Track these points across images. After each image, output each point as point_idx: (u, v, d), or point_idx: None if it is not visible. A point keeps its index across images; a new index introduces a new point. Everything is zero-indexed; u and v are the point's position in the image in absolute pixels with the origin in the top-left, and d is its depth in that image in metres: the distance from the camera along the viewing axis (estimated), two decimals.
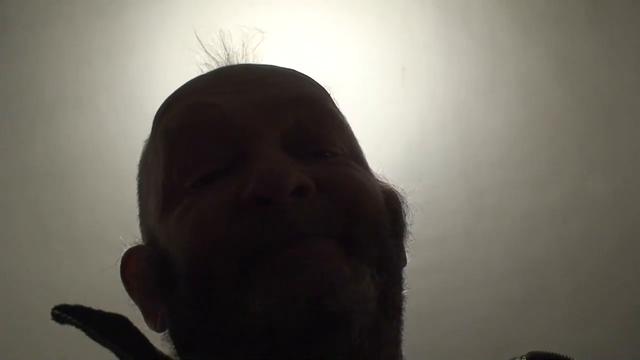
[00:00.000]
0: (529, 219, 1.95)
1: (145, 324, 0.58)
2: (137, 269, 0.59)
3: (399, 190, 0.59)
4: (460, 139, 1.85)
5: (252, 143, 0.51)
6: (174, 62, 1.67)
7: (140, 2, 1.65)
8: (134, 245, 0.61)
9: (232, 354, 0.48)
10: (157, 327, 0.57)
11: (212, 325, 0.48)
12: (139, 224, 0.61)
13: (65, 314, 0.49)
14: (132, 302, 0.60)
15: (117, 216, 1.78)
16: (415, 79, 1.76)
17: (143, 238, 0.60)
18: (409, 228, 0.58)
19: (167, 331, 0.55)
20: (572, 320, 2.06)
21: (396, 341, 0.54)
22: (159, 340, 0.55)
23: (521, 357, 0.56)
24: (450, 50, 1.75)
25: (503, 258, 1.99)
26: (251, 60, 0.63)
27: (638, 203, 1.94)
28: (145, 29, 1.68)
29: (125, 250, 0.61)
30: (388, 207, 0.55)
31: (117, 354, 0.49)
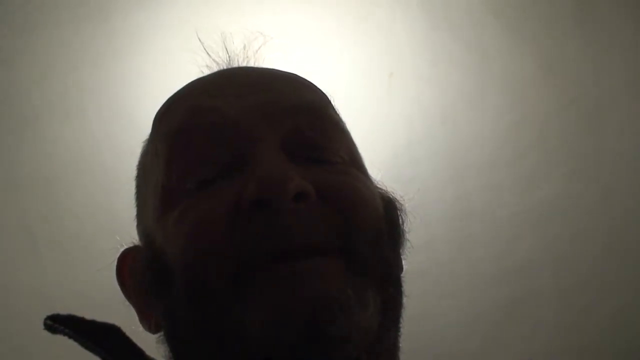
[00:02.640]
0: (516, 222, 1.96)
1: (140, 325, 0.58)
2: (133, 269, 0.59)
3: (397, 197, 0.59)
4: (448, 143, 1.85)
5: (252, 146, 0.51)
6: (161, 68, 1.67)
7: (126, 8, 1.65)
8: (131, 245, 0.61)
9: None
10: (152, 328, 0.57)
11: (208, 332, 0.48)
12: (135, 224, 0.61)
13: (57, 323, 0.49)
14: (127, 303, 0.59)
15: (104, 223, 1.78)
16: (402, 84, 1.77)
17: (140, 239, 0.59)
18: (406, 235, 0.58)
19: (162, 333, 0.55)
20: (560, 323, 2.07)
21: (394, 349, 0.54)
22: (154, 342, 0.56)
23: None
24: (436, 55, 1.75)
25: (490, 261, 2.00)
26: (251, 63, 0.62)
27: (624, 205, 1.95)
28: (132, 35, 1.68)
29: (121, 250, 0.61)
30: (387, 215, 0.54)
31: None
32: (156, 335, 0.56)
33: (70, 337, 0.48)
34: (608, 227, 1.97)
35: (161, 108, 0.60)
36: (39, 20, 1.66)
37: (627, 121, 1.85)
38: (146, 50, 1.69)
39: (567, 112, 1.84)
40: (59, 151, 1.78)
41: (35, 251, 1.86)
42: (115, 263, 0.61)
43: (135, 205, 0.62)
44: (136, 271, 0.57)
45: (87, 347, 0.48)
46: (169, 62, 1.65)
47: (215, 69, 0.62)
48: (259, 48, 0.63)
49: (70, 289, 1.82)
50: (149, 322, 0.57)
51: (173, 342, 0.53)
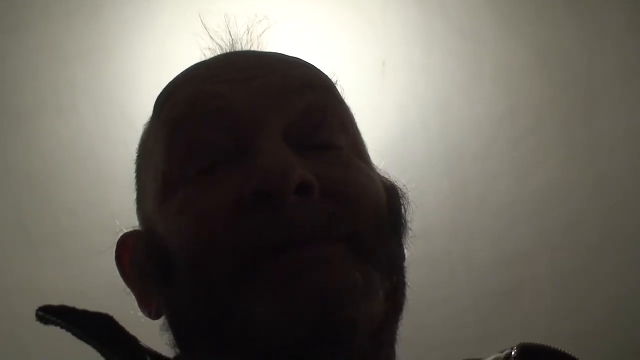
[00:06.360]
0: (513, 210, 1.96)
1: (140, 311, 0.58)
2: (133, 255, 0.59)
3: (400, 185, 0.59)
4: (443, 132, 1.85)
5: (256, 134, 0.50)
6: (153, 63, 1.66)
7: (117, 3, 1.64)
8: (131, 230, 0.60)
9: (231, 354, 0.47)
10: (152, 315, 0.57)
11: (211, 324, 0.48)
12: (135, 209, 0.60)
13: (50, 315, 0.49)
14: (121, 299, 0.59)
15: (99, 218, 1.77)
16: (396, 73, 1.76)
17: (140, 224, 0.59)
18: (409, 224, 0.57)
19: (165, 321, 0.55)
20: (556, 311, 2.08)
21: (394, 340, 0.54)
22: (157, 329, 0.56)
23: (512, 349, 0.56)
24: (430, 43, 1.75)
25: (487, 250, 2.00)
26: (250, 47, 0.62)
27: (620, 192, 1.95)
28: (124, 29, 1.67)
29: (120, 235, 0.61)
30: (390, 205, 0.54)
31: (102, 354, 0.48)
32: (159, 324, 0.56)
33: (62, 327, 0.48)
34: (604, 213, 1.98)
35: (163, 92, 0.59)
36: (30, 16, 1.65)
37: (621, 107, 1.85)
38: (138, 44, 1.68)
39: (561, 99, 1.84)
40: (52, 147, 1.77)
41: (30, 247, 1.85)
42: (113, 252, 0.61)
43: (135, 189, 0.61)
44: (137, 258, 0.57)
45: (79, 337, 0.48)
46: (161, 55, 1.65)
47: (214, 53, 0.61)
48: (263, 32, 0.63)
49: (65, 284, 1.82)
50: (150, 309, 0.57)
51: (177, 331, 0.53)
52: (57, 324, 0.48)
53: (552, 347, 0.55)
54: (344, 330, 0.45)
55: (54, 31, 1.66)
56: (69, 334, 0.49)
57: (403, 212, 0.57)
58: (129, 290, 0.60)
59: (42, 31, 1.66)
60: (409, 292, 0.56)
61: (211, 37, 0.62)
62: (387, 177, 0.59)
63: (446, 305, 2.04)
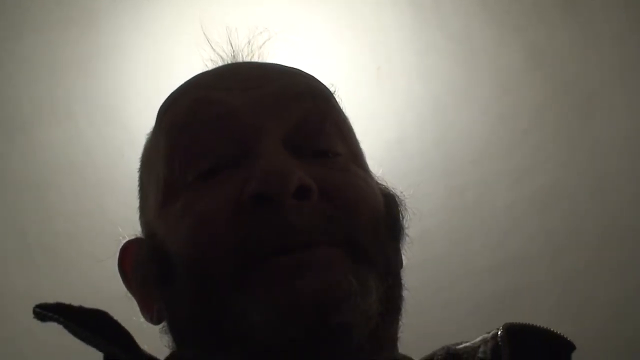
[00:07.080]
0: (510, 213, 1.96)
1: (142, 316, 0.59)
2: (134, 261, 0.59)
3: (398, 193, 0.60)
4: (439, 136, 1.85)
5: (255, 140, 0.51)
6: (150, 71, 1.66)
7: (113, 11, 1.64)
8: (133, 237, 0.61)
9: (231, 353, 0.48)
10: (154, 320, 0.57)
11: (210, 326, 0.49)
12: (138, 216, 0.62)
13: (47, 311, 0.49)
14: (118, 306, 0.59)
15: (96, 225, 1.77)
16: (391, 78, 1.76)
17: (142, 231, 0.60)
18: (406, 231, 0.59)
19: (164, 325, 0.56)
20: (557, 313, 2.07)
21: (394, 341, 0.56)
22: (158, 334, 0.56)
23: (498, 329, 0.56)
24: (424, 47, 1.75)
25: (486, 253, 2.00)
26: (249, 58, 0.63)
27: (618, 193, 1.95)
28: (120, 37, 1.67)
29: (123, 242, 0.62)
30: (387, 211, 0.55)
31: (99, 349, 0.48)
32: (159, 326, 0.57)
33: (59, 322, 0.48)
34: (603, 215, 1.97)
35: (166, 100, 0.60)
36: (27, 23, 1.65)
37: (619, 108, 1.85)
38: (134, 51, 1.68)
39: (557, 102, 1.84)
40: (49, 154, 1.77)
41: (28, 254, 1.85)
42: (107, 262, 0.61)
43: (138, 197, 0.62)
44: (138, 263, 0.58)
45: (76, 334, 0.48)
46: (158, 63, 1.65)
47: (216, 64, 0.62)
48: (263, 44, 0.63)
49: (62, 291, 1.81)
50: (151, 314, 0.58)
51: (176, 333, 0.54)
52: (54, 320, 0.48)
53: (536, 324, 0.56)
54: (340, 332, 0.46)
55: (50, 39, 1.66)
56: (65, 338, 0.49)
57: (400, 219, 0.58)
58: (129, 296, 0.61)
59: (39, 39, 1.66)
60: (408, 297, 0.56)
61: (212, 47, 0.63)
62: (384, 184, 0.60)
63: (446, 309, 2.04)
